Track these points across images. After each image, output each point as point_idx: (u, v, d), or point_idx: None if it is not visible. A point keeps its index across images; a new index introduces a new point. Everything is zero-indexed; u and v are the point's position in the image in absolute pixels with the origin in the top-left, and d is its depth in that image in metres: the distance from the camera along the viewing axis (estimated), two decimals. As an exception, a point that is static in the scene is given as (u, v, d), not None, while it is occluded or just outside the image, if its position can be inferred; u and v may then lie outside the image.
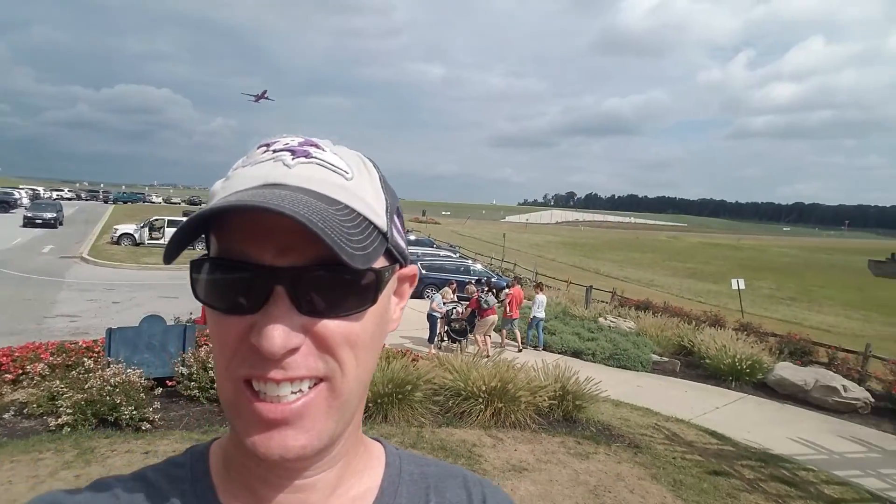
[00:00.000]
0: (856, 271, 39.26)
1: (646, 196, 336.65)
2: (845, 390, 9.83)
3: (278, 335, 0.49)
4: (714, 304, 22.88)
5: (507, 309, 12.35)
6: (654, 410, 8.51)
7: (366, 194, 0.57)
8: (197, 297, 0.55)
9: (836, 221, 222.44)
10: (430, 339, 11.78)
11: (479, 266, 22.12)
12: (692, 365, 11.89)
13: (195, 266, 0.56)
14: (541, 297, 12.77)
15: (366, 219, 0.55)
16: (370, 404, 6.59)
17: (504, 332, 12.64)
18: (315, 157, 0.57)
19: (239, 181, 0.56)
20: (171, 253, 0.53)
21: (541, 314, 12.58)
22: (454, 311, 12.25)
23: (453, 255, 25.43)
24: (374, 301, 0.56)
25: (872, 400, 9.82)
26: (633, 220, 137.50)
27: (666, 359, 12.01)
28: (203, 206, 0.57)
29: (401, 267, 0.63)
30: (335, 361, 0.54)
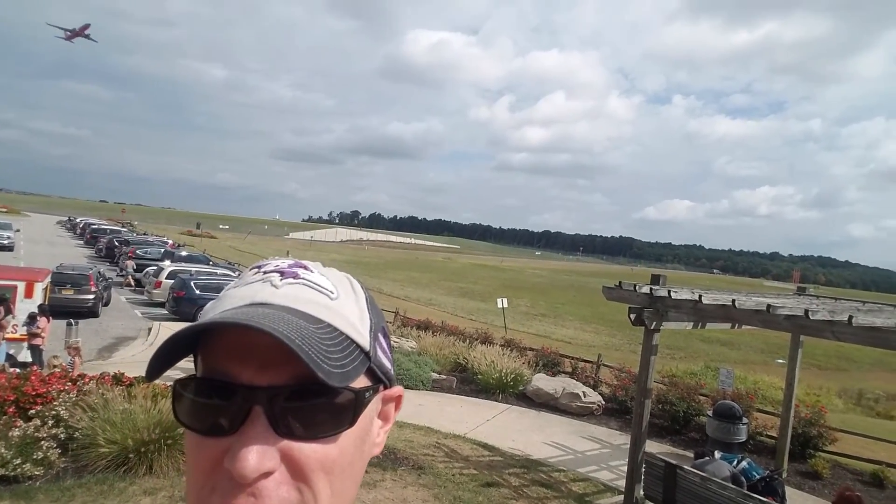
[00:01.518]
0: (588, 291, 47.47)
1: (425, 218, 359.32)
2: (584, 395, 11.71)
3: (252, 457, 0.49)
4: (483, 322, 25.27)
5: None
6: (434, 429, 9.00)
7: (350, 314, 0.59)
8: (178, 419, 0.56)
9: (574, 248, 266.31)
10: None
11: (260, 286, 20.93)
12: (467, 381, 12.92)
13: (177, 386, 0.56)
14: None
15: (348, 337, 0.57)
16: (130, 455, 5.70)
17: None
18: (303, 278, 0.60)
19: (228, 301, 0.58)
20: (154, 370, 0.55)
21: None
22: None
23: (232, 274, 23.60)
24: (352, 423, 0.55)
25: (603, 402, 11.87)
26: (413, 240, 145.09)
27: (444, 376, 12.84)
28: (198, 321, 0.58)
29: (385, 388, 0.63)
30: (310, 491, 0.52)
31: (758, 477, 7.12)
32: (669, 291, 6.99)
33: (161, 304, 19.70)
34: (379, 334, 0.62)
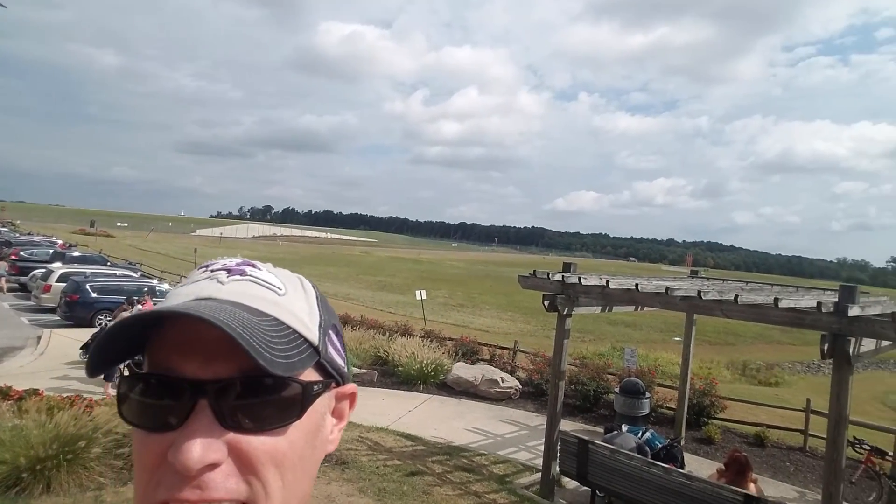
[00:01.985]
0: (503, 280, 48.90)
1: (340, 212, 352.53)
2: (503, 381, 12.11)
3: (195, 449, 0.49)
4: (402, 314, 25.31)
5: None
6: (356, 423, 8.97)
7: (298, 310, 0.60)
8: (123, 417, 0.55)
9: (489, 238, 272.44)
10: (108, 377, 9.95)
11: (166, 286, 19.70)
12: (388, 373, 12.94)
13: (121, 384, 0.56)
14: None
15: (294, 331, 0.57)
16: (23, 474, 5.23)
17: None
18: (250, 275, 0.61)
19: (173, 299, 0.58)
20: (95, 365, 0.55)
21: None
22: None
23: (133, 275, 21.99)
24: (299, 415, 0.55)
25: (520, 386, 12.33)
26: (329, 235, 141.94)
27: (364, 370, 12.78)
28: (143, 313, 0.58)
29: (337, 385, 0.63)
30: (259, 483, 0.52)
31: (660, 446, 7.77)
32: (580, 278, 7.39)
33: (52, 310, 18.02)
34: (330, 331, 0.63)
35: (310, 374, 0.58)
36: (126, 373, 0.57)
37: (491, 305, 35.87)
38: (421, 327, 17.89)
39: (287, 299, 0.60)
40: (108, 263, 26.70)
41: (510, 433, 9.60)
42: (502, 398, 11.83)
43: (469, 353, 14.63)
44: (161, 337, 0.55)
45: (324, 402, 0.60)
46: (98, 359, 0.55)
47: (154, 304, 10.06)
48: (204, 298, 0.57)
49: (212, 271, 0.62)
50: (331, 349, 0.63)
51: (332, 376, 0.62)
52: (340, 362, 0.64)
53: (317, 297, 0.65)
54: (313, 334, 0.59)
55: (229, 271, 0.61)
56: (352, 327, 16.44)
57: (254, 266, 0.64)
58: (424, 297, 23.47)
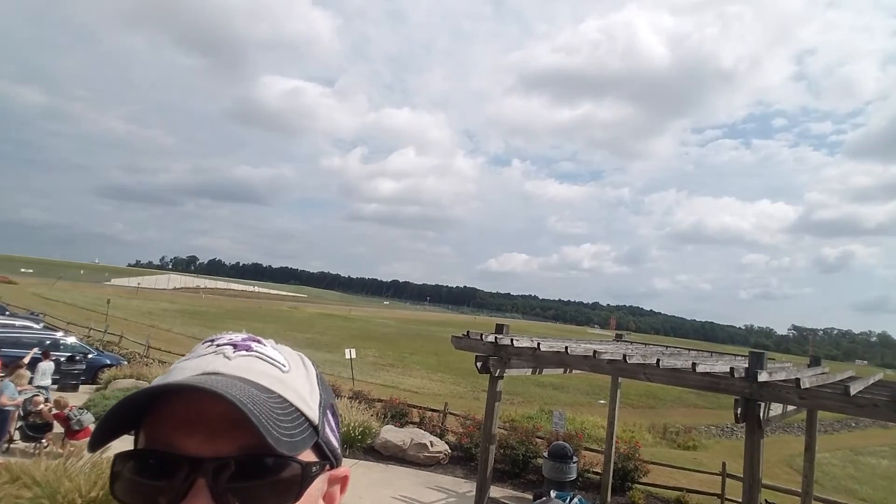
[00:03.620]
0: (435, 340, 48.58)
1: (270, 266, 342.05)
2: (432, 445, 11.83)
3: None
4: (331, 374, 24.47)
5: None
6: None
7: (300, 387, 0.61)
8: (115, 496, 0.54)
9: (422, 297, 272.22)
10: None
11: (72, 339, 18.14)
12: (312, 437, 12.34)
13: (117, 461, 0.55)
14: (45, 365, 12.00)
15: (297, 409, 0.58)
16: None
17: None
18: (256, 351, 0.62)
19: (178, 373, 0.58)
20: (98, 440, 0.54)
21: (46, 382, 11.76)
22: (32, 400, 9.64)
23: (36, 326, 20.11)
24: (296, 497, 0.55)
25: (450, 451, 12.08)
26: (256, 289, 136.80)
27: (288, 434, 12.14)
28: (153, 386, 0.57)
29: (331, 467, 0.62)
30: None
31: (588, 511, 7.78)
32: (512, 340, 7.53)
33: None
34: (328, 411, 0.64)
35: (308, 455, 0.58)
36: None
37: (421, 366, 35.41)
38: (349, 388, 17.33)
39: (291, 376, 0.61)
40: (7, 313, 24.38)
41: (438, 501, 9.31)
42: (431, 463, 11.52)
43: (398, 415, 14.26)
44: (161, 412, 0.54)
45: (317, 486, 0.59)
46: (103, 433, 0.53)
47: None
48: (211, 373, 0.57)
49: (217, 346, 0.62)
50: (328, 429, 0.63)
51: (327, 457, 0.62)
52: (335, 443, 0.65)
53: (317, 376, 0.66)
54: (314, 413, 0.60)
55: (235, 346, 0.62)
56: (276, 387, 15.69)
57: (259, 342, 0.65)
58: (354, 355, 22.88)
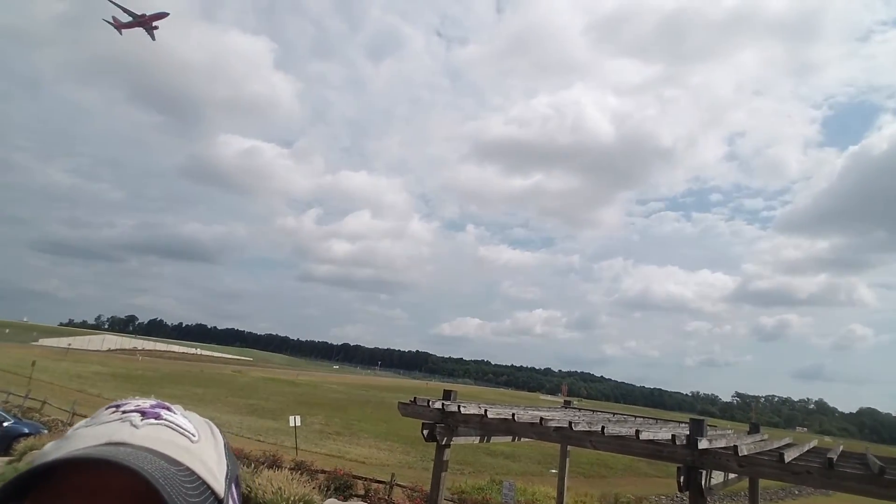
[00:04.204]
0: (385, 407, 47.07)
1: (215, 327, 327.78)
2: (377, 520, 11.26)
3: None
4: (273, 443, 23.23)
5: None
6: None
7: (209, 458, 0.59)
8: None
9: (373, 361, 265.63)
10: None
11: (-15, 406, 16.65)
12: (248, 513, 11.53)
13: None
14: None
15: (205, 482, 0.56)
16: None
17: None
18: (164, 419, 0.59)
19: (79, 441, 0.55)
20: None
21: None
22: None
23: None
24: None
25: (395, 525, 11.52)
26: (199, 351, 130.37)
27: (221, 509, 11.32)
28: (37, 463, 0.54)
29: None
30: None
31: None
32: (459, 406, 7.43)
33: None
34: (232, 483, 0.64)
35: None
36: None
37: (370, 434, 34.13)
38: (292, 458, 16.45)
39: (199, 447, 0.59)
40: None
41: (381, 581, 8.76)
42: (375, 539, 10.92)
43: (342, 487, 13.59)
44: (58, 483, 0.51)
45: None
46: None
47: None
48: (116, 443, 0.54)
49: (123, 412, 0.59)
50: (231, 500, 0.62)
51: None
52: None
53: (224, 445, 0.65)
54: (220, 486, 0.59)
55: (144, 414, 0.59)
56: (212, 457, 14.74)
57: (168, 408, 0.62)
58: (299, 423, 21.89)
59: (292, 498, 11.41)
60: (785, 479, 5.82)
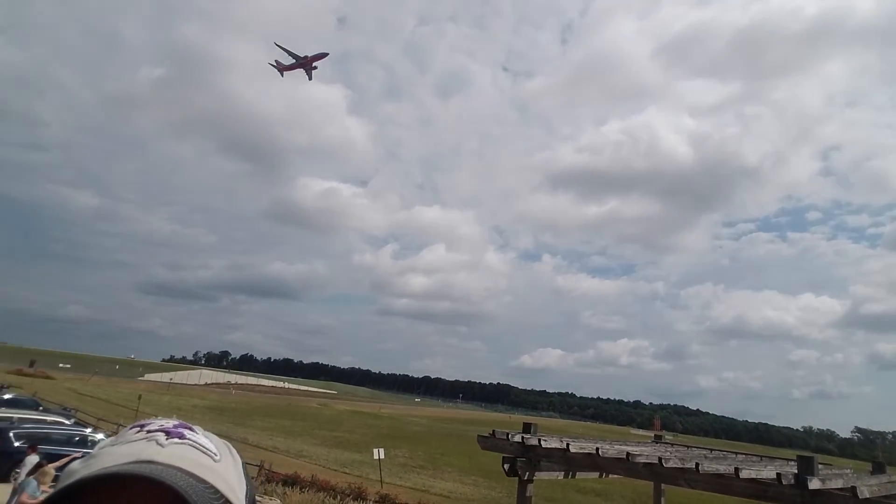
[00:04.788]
0: (468, 440, 46.47)
1: (301, 361, 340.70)
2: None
3: None
4: (357, 475, 23.51)
5: None
6: None
7: (230, 477, 0.62)
8: None
9: (454, 394, 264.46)
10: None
11: (100, 436, 18.12)
12: (335, 546, 11.66)
13: None
14: (31, 458, 11.69)
15: (227, 500, 0.59)
16: None
17: None
18: (188, 439, 0.62)
19: (107, 458, 0.56)
20: None
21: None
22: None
23: (66, 422, 20.23)
24: None
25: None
26: (286, 384, 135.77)
27: (309, 541, 11.52)
28: (70, 480, 0.54)
29: None
30: None
31: None
32: (540, 440, 7.19)
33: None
34: (250, 502, 0.65)
35: None
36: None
37: (454, 468, 33.74)
38: (376, 490, 16.56)
39: (222, 466, 0.62)
40: (41, 408, 24.70)
41: None
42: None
43: (426, 522, 13.43)
44: (88, 501, 0.53)
45: None
46: None
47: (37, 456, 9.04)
48: (145, 461, 0.56)
49: (148, 432, 0.62)
50: None
51: None
52: None
53: (242, 466, 0.67)
54: None
55: (168, 433, 0.61)
56: (300, 489, 15.11)
57: (191, 429, 0.65)
58: (382, 456, 22.06)
59: (377, 532, 11.43)
60: (919, 526, 5.11)
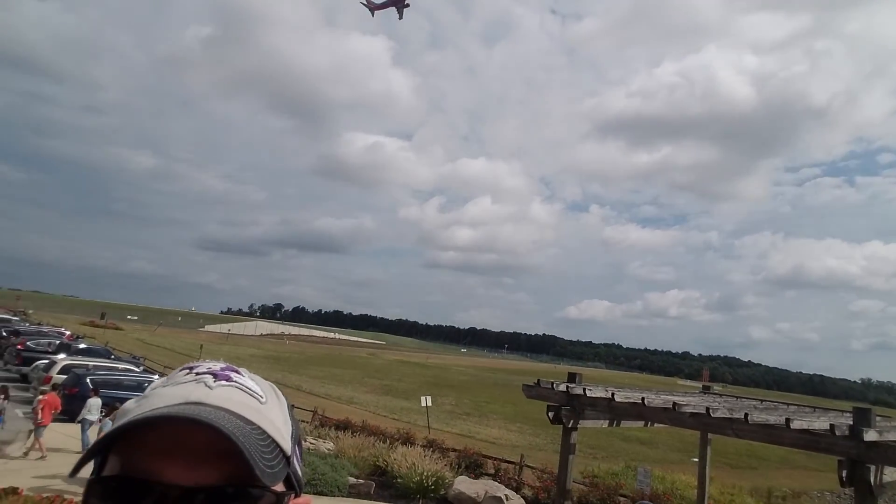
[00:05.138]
0: (513, 389, 47.34)
1: (350, 313, 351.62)
2: (507, 499, 11.37)
3: None
4: (406, 422, 24.42)
5: (39, 415, 11.81)
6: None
7: (276, 419, 0.63)
8: None
9: (499, 345, 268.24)
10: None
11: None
12: (386, 485, 12.26)
13: (93, 488, 0.54)
14: (93, 401, 12.87)
15: (274, 440, 0.60)
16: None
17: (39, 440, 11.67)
18: (235, 381, 0.63)
19: (158, 399, 0.58)
20: (81, 467, 0.55)
21: (92, 416, 12.46)
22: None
23: (136, 369, 21.72)
24: None
25: (525, 506, 11.57)
26: (336, 335, 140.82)
27: (362, 481, 12.14)
28: (125, 419, 0.56)
29: (295, 496, 0.64)
30: None
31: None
32: (585, 389, 7.22)
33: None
34: (296, 443, 0.67)
35: (279, 486, 0.60)
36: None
37: (499, 415, 34.57)
38: (424, 436, 17.16)
39: (268, 408, 0.62)
40: (113, 357, 26.56)
41: (513, 559, 8.86)
42: (506, 518, 11.05)
43: (473, 465, 13.91)
44: (140, 439, 0.55)
45: None
46: (86, 461, 0.56)
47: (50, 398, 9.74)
48: (194, 402, 0.58)
49: (197, 374, 0.63)
50: (296, 460, 0.65)
51: (293, 487, 0.63)
52: (300, 473, 0.66)
53: (288, 407, 0.68)
54: (287, 445, 0.62)
55: (216, 376, 0.63)
56: (352, 433, 15.83)
57: (238, 372, 0.66)
58: (430, 403, 22.75)
59: (425, 473, 11.91)
60: (984, 480, 4.91)
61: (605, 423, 8.44)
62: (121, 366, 22.14)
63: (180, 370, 0.66)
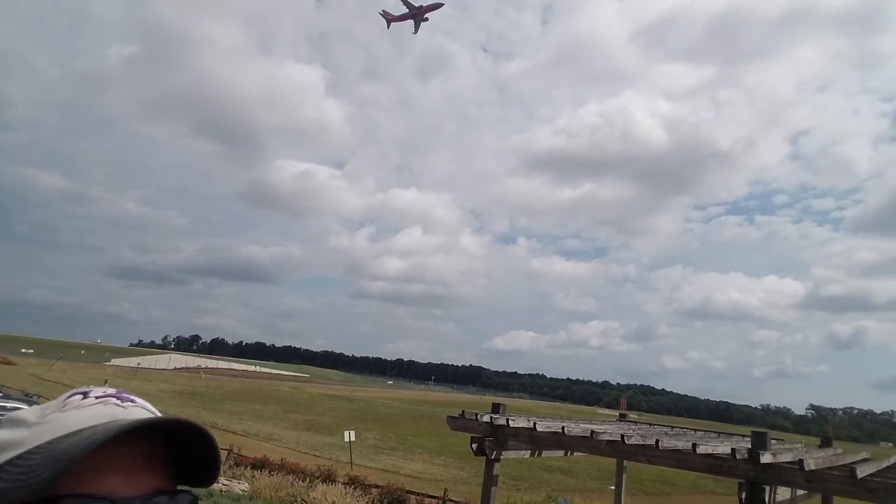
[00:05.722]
0: (438, 421, 46.84)
1: (273, 344, 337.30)
2: (430, 535, 11.19)
3: None
4: (328, 458, 23.57)
5: None
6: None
7: None
8: None
9: (427, 376, 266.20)
10: None
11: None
12: (304, 527, 11.71)
13: None
14: None
15: None
16: None
17: None
18: (138, 402, 0.65)
19: (72, 423, 0.56)
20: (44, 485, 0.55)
21: None
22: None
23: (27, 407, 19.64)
24: None
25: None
26: (258, 368, 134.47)
27: (279, 523, 11.55)
28: (101, 427, 0.55)
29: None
30: None
31: None
32: (508, 420, 7.32)
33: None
34: None
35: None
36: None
37: (424, 449, 34.12)
38: (346, 472, 16.63)
39: None
40: (1, 394, 23.98)
41: None
42: (429, 555, 10.84)
43: (396, 502, 13.63)
44: (88, 455, 0.54)
45: None
46: (70, 467, 0.54)
47: None
48: (122, 420, 0.58)
49: (96, 398, 0.62)
50: None
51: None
52: None
53: None
54: None
55: (119, 398, 0.63)
56: (269, 472, 15.06)
57: (133, 397, 0.67)
58: (353, 438, 22.15)
59: (346, 512, 11.52)
60: (859, 496, 5.40)
61: (527, 454, 8.57)
62: (9, 404, 19.97)
63: (70, 395, 0.64)
